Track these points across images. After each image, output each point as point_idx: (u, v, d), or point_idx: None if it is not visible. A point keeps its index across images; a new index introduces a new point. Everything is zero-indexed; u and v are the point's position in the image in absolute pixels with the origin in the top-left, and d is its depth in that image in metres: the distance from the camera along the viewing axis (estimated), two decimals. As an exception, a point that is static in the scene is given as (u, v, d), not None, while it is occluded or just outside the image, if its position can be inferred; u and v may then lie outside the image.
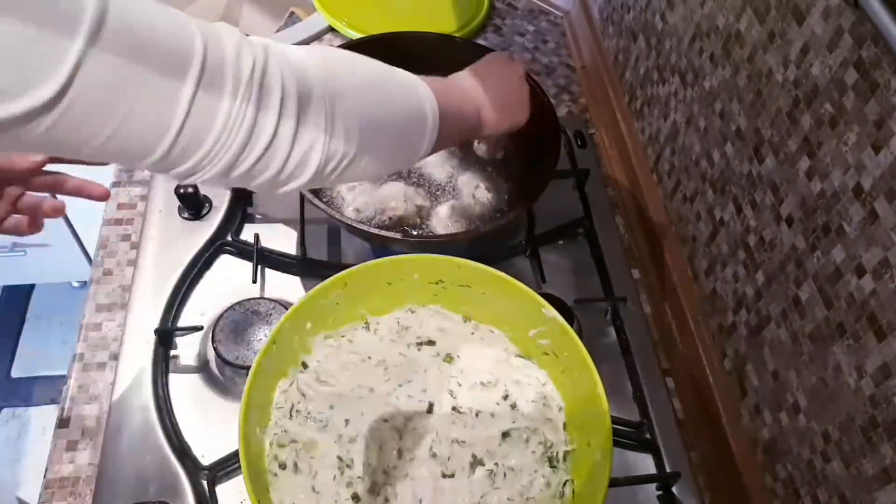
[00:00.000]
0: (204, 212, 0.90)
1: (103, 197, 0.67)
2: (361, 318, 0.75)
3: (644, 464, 0.77)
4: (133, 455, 0.72)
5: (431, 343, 0.75)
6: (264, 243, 0.88)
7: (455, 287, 0.74)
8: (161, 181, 0.93)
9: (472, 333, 0.76)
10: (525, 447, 0.68)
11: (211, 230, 0.89)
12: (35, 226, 0.67)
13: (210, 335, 0.79)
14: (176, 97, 0.41)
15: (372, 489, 0.65)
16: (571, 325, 0.69)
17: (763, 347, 0.70)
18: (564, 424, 0.70)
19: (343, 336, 0.74)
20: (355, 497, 0.64)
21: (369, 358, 0.73)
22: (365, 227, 0.80)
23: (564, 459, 0.68)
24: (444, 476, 0.66)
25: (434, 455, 0.67)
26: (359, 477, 0.65)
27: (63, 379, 0.80)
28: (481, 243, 0.83)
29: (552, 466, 0.67)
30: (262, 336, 0.79)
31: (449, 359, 0.73)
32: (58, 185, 0.65)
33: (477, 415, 0.69)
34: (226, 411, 0.77)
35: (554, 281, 0.88)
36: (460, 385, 0.72)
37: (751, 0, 0.69)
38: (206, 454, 0.73)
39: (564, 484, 0.66)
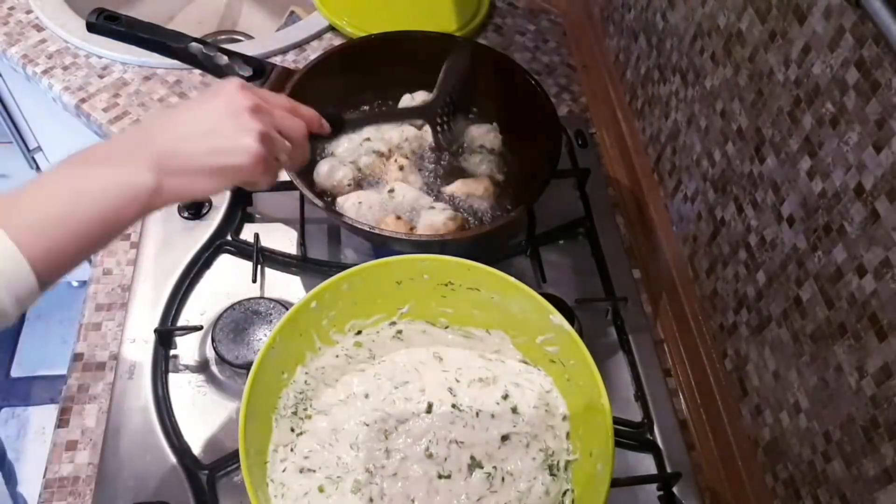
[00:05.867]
0: (204, 211, 0.90)
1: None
2: (367, 315, 0.74)
3: (645, 464, 0.77)
4: (133, 455, 0.72)
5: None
6: (264, 243, 0.87)
7: (464, 290, 0.73)
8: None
9: (451, 337, 0.75)
10: (525, 452, 0.67)
11: (211, 230, 0.89)
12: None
13: (210, 335, 0.79)
14: None
15: (367, 483, 0.64)
16: (572, 324, 0.69)
17: (764, 347, 0.70)
18: (568, 433, 0.69)
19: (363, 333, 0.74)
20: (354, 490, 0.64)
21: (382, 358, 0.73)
22: (365, 227, 0.79)
23: (566, 468, 0.67)
24: (439, 477, 0.65)
25: (430, 455, 0.66)
26: (351, 472, 0.65)
27: (63, 379, 0.80)
28: (482, 243, 0.83)
29: (552, 474, 0.66)
30: (262, 336, 0.79)
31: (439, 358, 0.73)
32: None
33: (477, 414, 0.69)
34: (226, 411, 0.77)
35: (554, 281, 0.88)
36: (458, 381, 0.71)
37: (752, -1, 0.69)
38: (206, 454, 0.73)
39: (564, 493, 0.65)
